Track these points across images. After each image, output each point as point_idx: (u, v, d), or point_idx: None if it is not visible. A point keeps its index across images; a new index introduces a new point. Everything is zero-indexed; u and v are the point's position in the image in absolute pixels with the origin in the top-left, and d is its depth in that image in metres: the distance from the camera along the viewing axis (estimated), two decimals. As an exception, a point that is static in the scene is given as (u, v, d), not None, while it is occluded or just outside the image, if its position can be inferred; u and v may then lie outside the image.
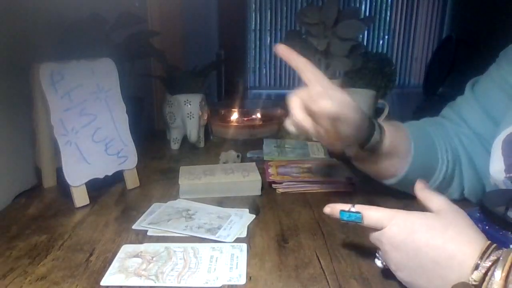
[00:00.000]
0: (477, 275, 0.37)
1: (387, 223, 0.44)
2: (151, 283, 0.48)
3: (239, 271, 0.51)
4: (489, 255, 0.38)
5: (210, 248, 0.56)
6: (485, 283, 0.37)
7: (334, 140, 0.59)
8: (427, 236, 0.42)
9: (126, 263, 0.52)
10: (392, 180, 0.66)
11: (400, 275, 0.44)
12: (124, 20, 0.94)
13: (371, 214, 0.46)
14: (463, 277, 0.38)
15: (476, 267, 0.38)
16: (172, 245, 0.56)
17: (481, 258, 0.38)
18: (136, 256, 0.54)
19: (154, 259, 0.53)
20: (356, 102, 0.57)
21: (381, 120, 1.00)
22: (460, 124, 0.68)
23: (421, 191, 0.48)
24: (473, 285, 0.37)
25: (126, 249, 0.56)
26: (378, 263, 0.48)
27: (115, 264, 0.52)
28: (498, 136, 0.58)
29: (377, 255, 0.48)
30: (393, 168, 0.64)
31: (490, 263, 0.37)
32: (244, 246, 0.56)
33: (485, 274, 0.37)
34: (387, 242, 0.44)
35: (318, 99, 0.53)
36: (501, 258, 0.37)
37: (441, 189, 0.66)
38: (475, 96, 0.67)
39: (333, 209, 0.50)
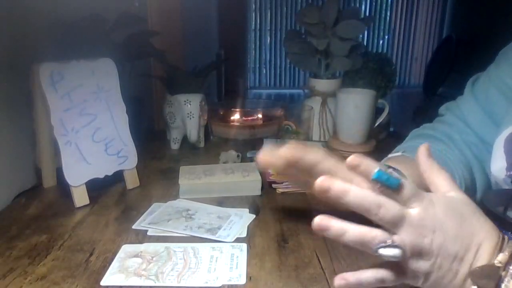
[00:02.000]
0: (502, 257, 0.37)
1: (416, 205, 0.39)
2: (151, 283, 0.48)
3: (239, 271, 0.51)
4: (508, 242, 0.38)
5: (210, 248, 0.56)
6: (508, 265, 0.36)
7: None
8: (461, 220, 0.39)
9: (126, 263, 0.52)
10: None
11: (423, 265, 0.39)
12: (124, 20, 0.94)
13: (408, 188, 0.39)
14: (486, 262, 0.38)
15: (501, 250, 0.38)
16: (172, 245, 0.56)
17: (502, 243, 0.38)
18: (136, 256, 0.54)
19: (154, 259, 0.53)
20: None
21: (380, 120, 1.01)
22: (467, 132, 0.66)
23: (427, 163, 0.43)
24: (498, 266, 0.37)
25: (126, 249, 0.56)
26: (393, 251, 0.38)
27: (115, 264, 0.52)
28: (500, 134, 0.58)
29: (388, 242, 0.38)
30: None
31: (511, 248, 0.38)
32: (244, 246, 0.56)
33: (510, 256, 0.37)
34: (412, 226, 0.38)
35: None
36: None
37: None
38: (476, 97, 0.66)
39: (365, 162, 0.39)
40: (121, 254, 0.54)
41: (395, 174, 0.39)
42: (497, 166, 0.57)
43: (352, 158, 0.39)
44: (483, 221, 0.40)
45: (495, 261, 0.37)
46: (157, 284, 0.48)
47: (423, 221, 0.38)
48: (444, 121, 0.69)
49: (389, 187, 0.38)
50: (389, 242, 0.38)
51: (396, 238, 0.38)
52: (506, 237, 0.39)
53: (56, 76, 0.67)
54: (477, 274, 0.37)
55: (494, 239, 0.39)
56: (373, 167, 0.39)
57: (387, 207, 0.38)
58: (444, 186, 0.42)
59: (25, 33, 0.75)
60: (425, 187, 0.44)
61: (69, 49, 0.81)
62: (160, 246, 0.56)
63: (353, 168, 0.40)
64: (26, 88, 0.70)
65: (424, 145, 0.44)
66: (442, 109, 0.72)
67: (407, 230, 0.38)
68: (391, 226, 0.38)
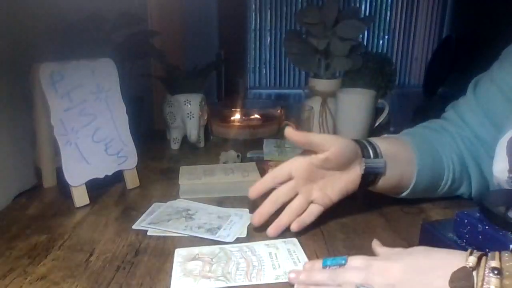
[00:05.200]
0: (472, 259, 0.38)
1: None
2: (223, 284, 0.48)
3: (302, 264, 0.51)
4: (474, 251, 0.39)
5: (264, 245, 0.56)
6: (481, 268, 0.37)
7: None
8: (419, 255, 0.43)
9: (187, 266, 0.51)
10: (404, 193, 0.65)
11: None
12: (124, 20, 0.94)
13: (354, 259, 0.45)
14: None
15: (471, 253, 0.38)
16: (226, 246, 0.56)
17: (471, 251, 0.39)
18: (194, 259, 0.53)
19: (213, 260, 0.52)
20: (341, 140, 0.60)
21: (380, 120, 1.01)
22: (463, 127, 0.68)
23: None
24: (470, 267, 0.37)
25: (180, 252, 0.55)
26: None
27: (176, 268, 0.51)
28: (504, 136, 0.58)
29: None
30: (403, 177, 0.63)
31: (479, 253, 0.38)
32: (295, 240, 0.57)
33: (480, 258, 0.38)
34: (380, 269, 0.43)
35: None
36: (488, 253, 0.38)
37: (451, 191, 0.68)
38: (477, 98, 0.67)
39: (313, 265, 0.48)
40: (177, 258, 0.53)
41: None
42: (500, 168, 0.57)
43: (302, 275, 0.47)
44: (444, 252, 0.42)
45: (467, 263, 0.38)
46: (230, 284, 0.47)
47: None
48: (444, 117, 0.72)
49: (339, 264, 0.45)
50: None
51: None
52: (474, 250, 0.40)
53: (56, 76, 0.67)
54: (454, 279, 0.38)
55: (455, 259, 0.39)
56: (319, 261, 0.47)
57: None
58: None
59: (25, 33, 0.75)
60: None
61: (69, 49, 0.81)
62: (214, 248, 0.56)
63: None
64: (26, 88, 0.70)
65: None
66: (447, 107, 0.74)
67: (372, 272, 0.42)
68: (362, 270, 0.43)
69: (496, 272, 0.36)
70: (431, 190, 0.67)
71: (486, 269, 0.37)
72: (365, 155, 0.60)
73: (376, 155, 0.60)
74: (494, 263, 0.37)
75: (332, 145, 0.58)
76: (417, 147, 0.65)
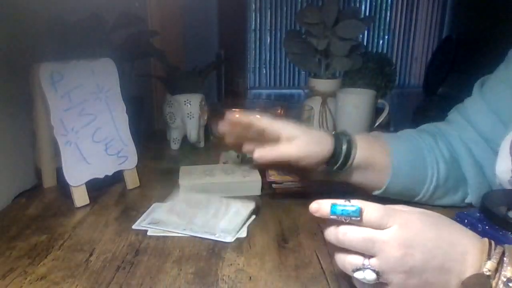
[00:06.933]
0: (491, 264, 0.37)
1: (392, 222, 0.39)
2: None
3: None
4: (495, 248, 0.38)
5: None
6: (498, 273, 0.37)
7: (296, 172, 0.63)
8: (438, 232, 0.40)
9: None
10: (376, 192, 0.65)
11: (411, 282, 0.39)
12: (124, 20, 0.94)
13: (371, 211, 0.39)
14: (476, 271, 0.38)
15: (489, 257, 0.37)
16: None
17: (489, 249, 0.38)
18: None
19: None
20: (315, 134, 0.60)
21: (380, 120, 1.01)
22: (467, 129, 0.65)
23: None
24: (487, 275, 0.37)
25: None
26: (370, 275, 0.39)
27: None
28: (507, 135, 0.57)
29: (365, 264, 0.39)
30: (372, 181, 0.64)
31: (499, 254, 0.37)
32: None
33: (498, 263, 0.37)
34: (395, 243, 0.38)
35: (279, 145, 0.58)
36: (505, 251, 0.38)
37: (435, 199, 0.66)
38: (484, 98, 0.64)
39: (322, 205, 0.41)
40: None
41: (353, 202, 0.40)
42: (502, 168, 0.57)
43: (310, 207, 0.42)
44: (462, 230, 0.41)
45: (484, 269, 0.37)
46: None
47: (400, 240, 0.38)
48: (447, 119, 0.70)
49: (351, 216, 0.39)
50: (363, 265, 0.39)
51: (372, 261, 0.39)
52: (492, 242, 0.39)
53: (56, 76, 0.67)
54: (468, 284, 0.36)
55: (479, 246, 0.39)
56: (328, 205, 0.40)
57: (351, 233, 0.39)
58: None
59: (25, 33, 0.74)
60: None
61: (69, 49, 0.81)
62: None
63: (316, 214, 0.41)
64: (26, 88, 0.70)
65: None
66: (451, 110, 0.71)
67: (384, 251, 0.38)
68: (364, 250, 0.39)
69: (511, 284, 0.35)
70: (408, 195, 0.65)
71: (501, 278, 0.36)
72: (335, 159, 0.60)
73: (345, 162, 0.60)
74: (510, 272, 0.36)
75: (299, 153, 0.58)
76: (396, 152, 0.63)
